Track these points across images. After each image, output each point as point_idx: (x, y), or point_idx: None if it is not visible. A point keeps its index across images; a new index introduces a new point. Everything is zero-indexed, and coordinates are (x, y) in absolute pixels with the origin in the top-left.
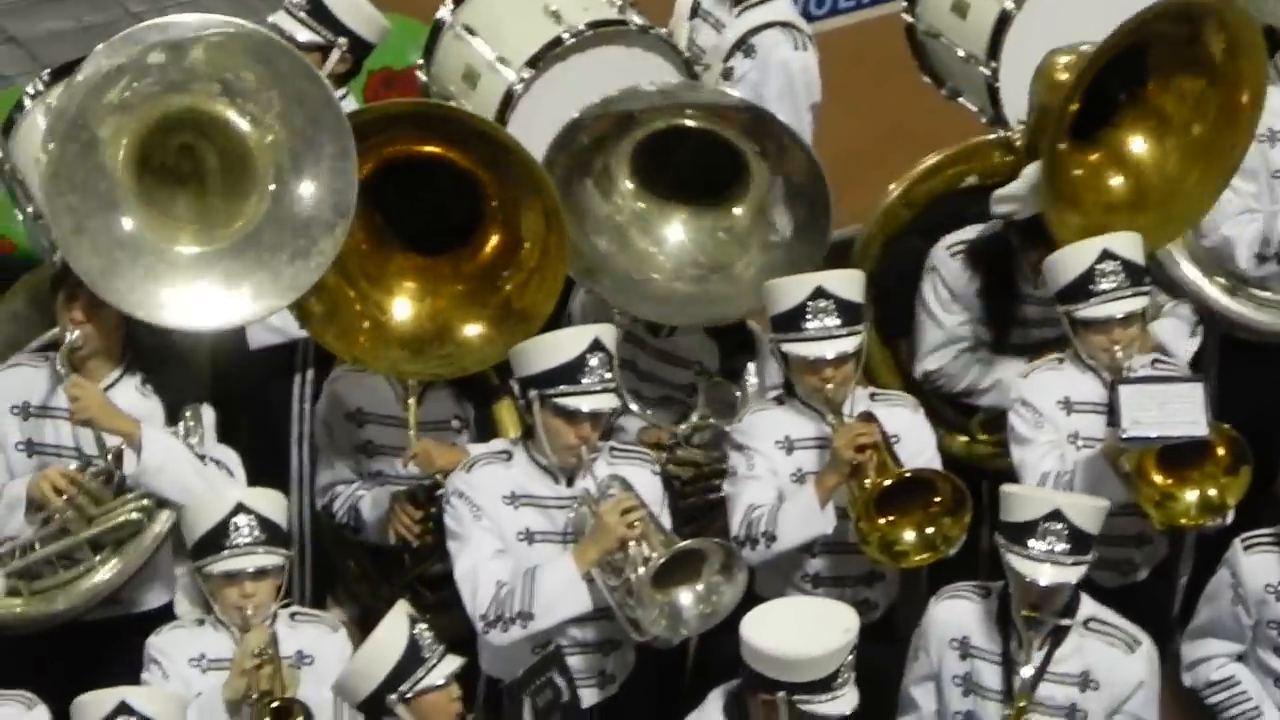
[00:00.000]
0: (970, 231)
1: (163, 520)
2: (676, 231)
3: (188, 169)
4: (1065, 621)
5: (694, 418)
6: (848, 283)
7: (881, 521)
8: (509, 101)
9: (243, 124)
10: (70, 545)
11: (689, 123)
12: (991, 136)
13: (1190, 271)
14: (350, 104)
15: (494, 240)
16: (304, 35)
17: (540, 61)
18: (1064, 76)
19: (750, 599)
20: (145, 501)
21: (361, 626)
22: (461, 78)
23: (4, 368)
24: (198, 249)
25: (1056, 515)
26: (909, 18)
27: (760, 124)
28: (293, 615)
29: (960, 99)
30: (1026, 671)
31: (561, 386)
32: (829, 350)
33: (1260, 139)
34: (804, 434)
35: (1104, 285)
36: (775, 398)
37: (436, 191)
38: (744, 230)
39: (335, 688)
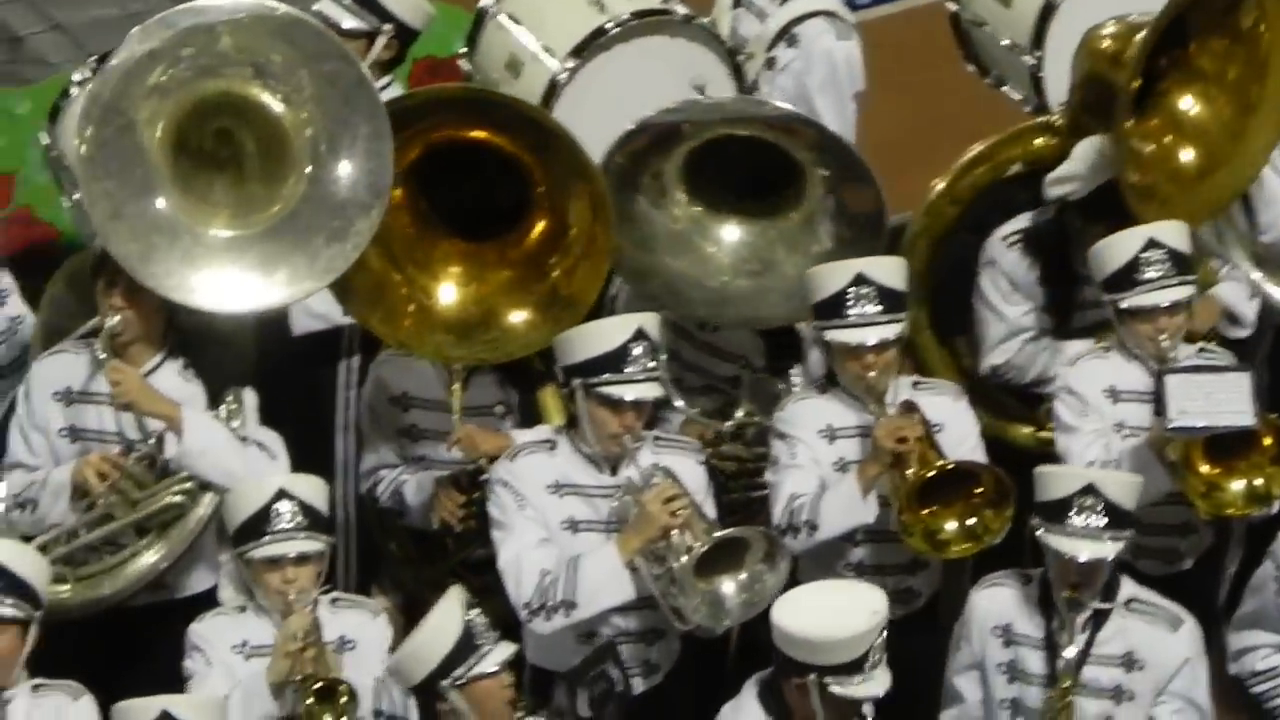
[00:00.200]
0: (1024, 220)
1: (206, 504)
2: (729, 234)
3: (225, 154)
4: (1106, 605)
5: (739, 414)
6: (890, 270)
7: (924, 512)
8: (553, 91)
9: (277, 106)
10: (114, 530)
11: (765, 136)
12: (1032, 121)
13: (1245, 264)
14: (395, 91)
15: (540, 226)
16: (349, 22)
17: (584, 51)
18: (1110, 46)
19: (792, 587)
20: (188, 485)
21: (405, 612)
22: (505, 66)
23: (46, 354)
24: (233, 232)
25: (1091, 490)
26: (954, 6)
27: (833, 149)
28: (334, 601)
29: (1004, 88)
30: (1070, 652)
31: (605, 375)
32: (870, 337)
33: None
34: (846, 423)
35: (1150, 274)
36: (817, 386)
37: (482, 177)
38: (792, 235)
39: (389, 670)
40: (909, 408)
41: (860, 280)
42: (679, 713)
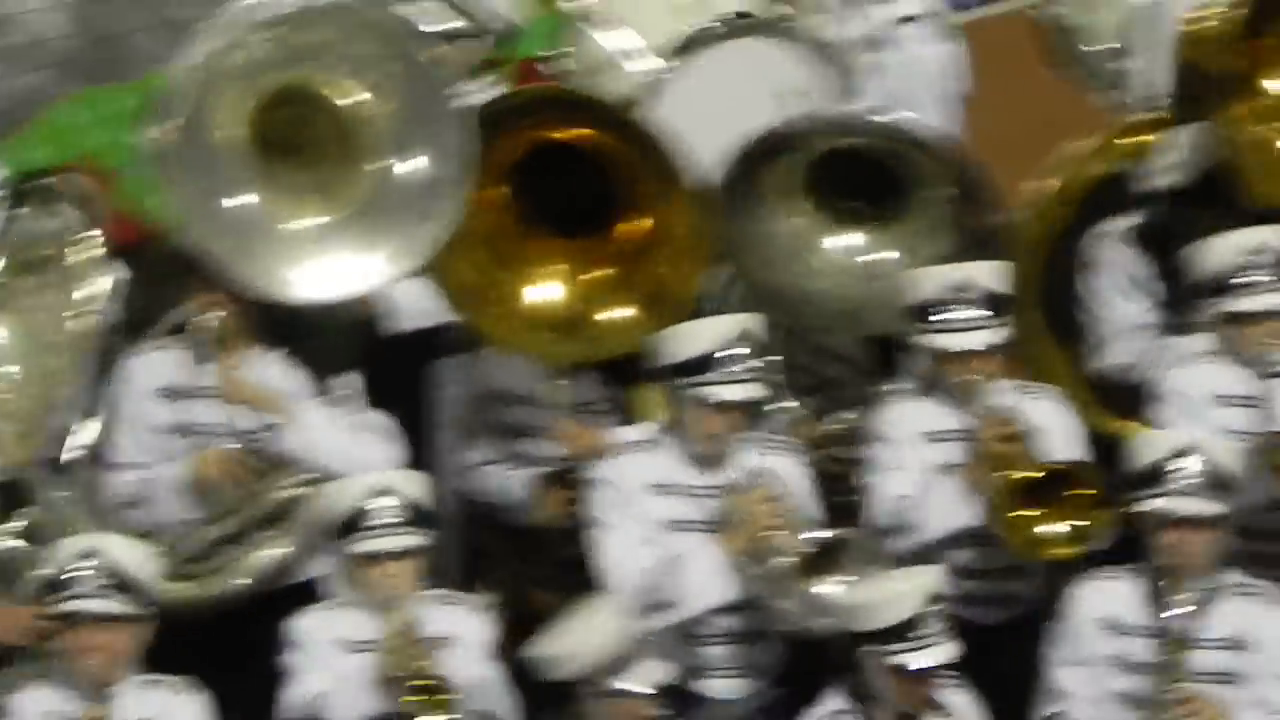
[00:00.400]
0: (1134, 216)
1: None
2: (846, 242)
3: (300, 140)
4: (1210, 585)
5: (848, 415)
6: (993, 273)
7: (1025, 514)
8: (650, 91)
9: (350, 92)
10: (241, 524)
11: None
12: (1138, 117)
13: None
14: (498, 91)
15: (640, 224)
16: (455, 23)
17: (683, 52)
18: (1211, 29)
19: None
20: (311, 475)
21: (506, 609)
22: (601, 68)
23: (144, 351)
24: (325, 219)
25: (1186, 451)
26: (1045, 9)
27: (951, 159)
28: (436, 597)
29: (1089, 90)
30: (1179, 610)
31: (707, 375)
32: (973, 341)
33: None
34: (946, 425)
35: (1258, 277)
36: (919, 389)
37: (583, 176)
38: (909, 243)
39: (537, 653)
40: (1011, 411)
41: (965, 284)
42: (781, 714)
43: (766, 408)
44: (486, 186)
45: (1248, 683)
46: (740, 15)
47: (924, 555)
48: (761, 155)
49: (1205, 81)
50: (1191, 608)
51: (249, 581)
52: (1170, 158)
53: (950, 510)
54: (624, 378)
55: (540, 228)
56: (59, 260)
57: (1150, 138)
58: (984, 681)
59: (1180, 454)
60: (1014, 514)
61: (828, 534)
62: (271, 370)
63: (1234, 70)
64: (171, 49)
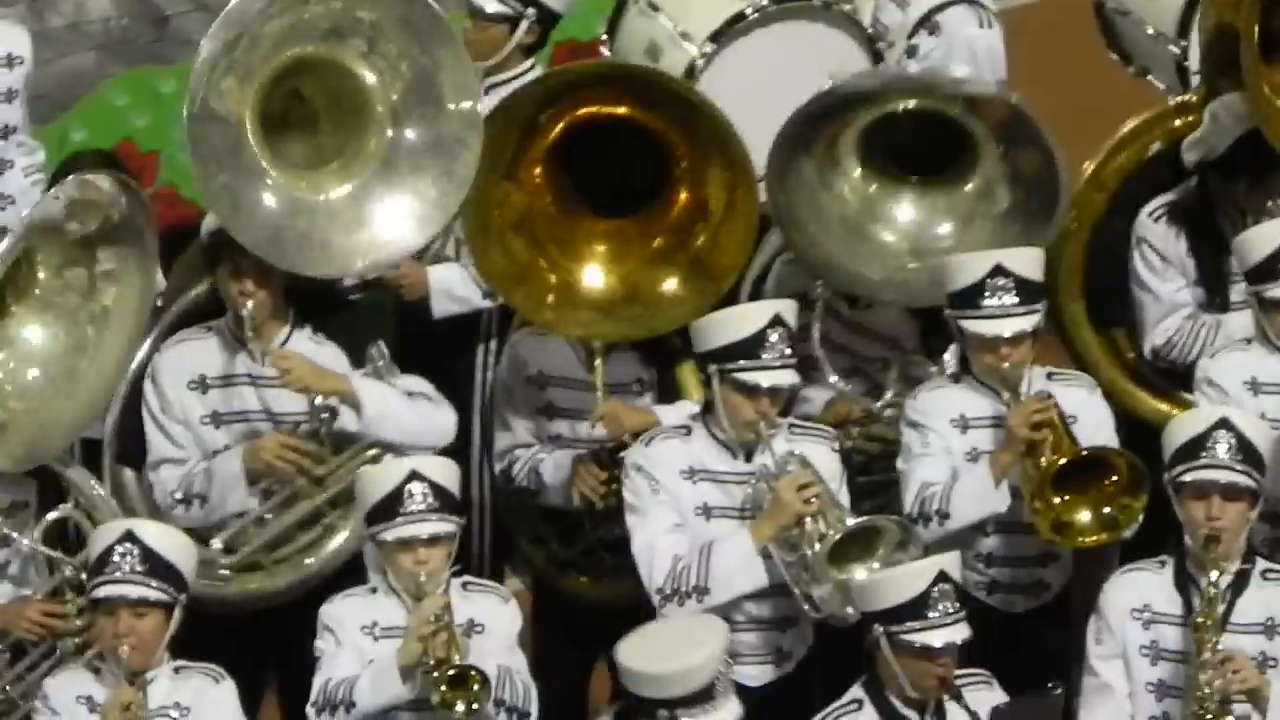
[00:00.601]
0: (1170, 195)
1: None
2: (901, 209)
3: (302, 114)
4: (1245, 565)
5: (889, 394)
6: (1027, 261)
7: (1057, 501)
8: (691, 75)
9: (352, 60)
10: (311, 510)
11: (941, 108)
12: (1171, 103)
13: None
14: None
15: (682, 200)
16: (492, 6)
17: (723, 36)
18: None
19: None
20: (371, 452)
21: (534, 593)
22: (644, 51)
23: (169, 345)
24: (349, 186)
25: (1224, 424)
26: None
27: (1016, 121)
28: (465, 584)
29: (1149, 77)
30: (1211, 578)
31: (741, 361)
32: (1007, 328)
33: None
34: (979, 412)
35: None
36: (951, 375)
37: (621, 155)
38: (966, 207)
39: (624, 661)
40: (1044, 398)
41: (998, 271)
42: (809, 702)
43: (805, 389)
44: (525, 169)
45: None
46: (778, 0)
47: (955, 542)
48: (814, 121)
49: (1231, 50)
50: (1228, 575)
51: (322, 567)
52: (1200, 131)
53: (981, 497)
54: (660, 358)
55: (579, 209)
56: (93, 257)
57: (1183, 123)
58: (1011, 670)
59: (1218, 427)
60: (1045, 501)
61: (859, 521)
62: (301, 345)
63: (1251, 28)
64: None
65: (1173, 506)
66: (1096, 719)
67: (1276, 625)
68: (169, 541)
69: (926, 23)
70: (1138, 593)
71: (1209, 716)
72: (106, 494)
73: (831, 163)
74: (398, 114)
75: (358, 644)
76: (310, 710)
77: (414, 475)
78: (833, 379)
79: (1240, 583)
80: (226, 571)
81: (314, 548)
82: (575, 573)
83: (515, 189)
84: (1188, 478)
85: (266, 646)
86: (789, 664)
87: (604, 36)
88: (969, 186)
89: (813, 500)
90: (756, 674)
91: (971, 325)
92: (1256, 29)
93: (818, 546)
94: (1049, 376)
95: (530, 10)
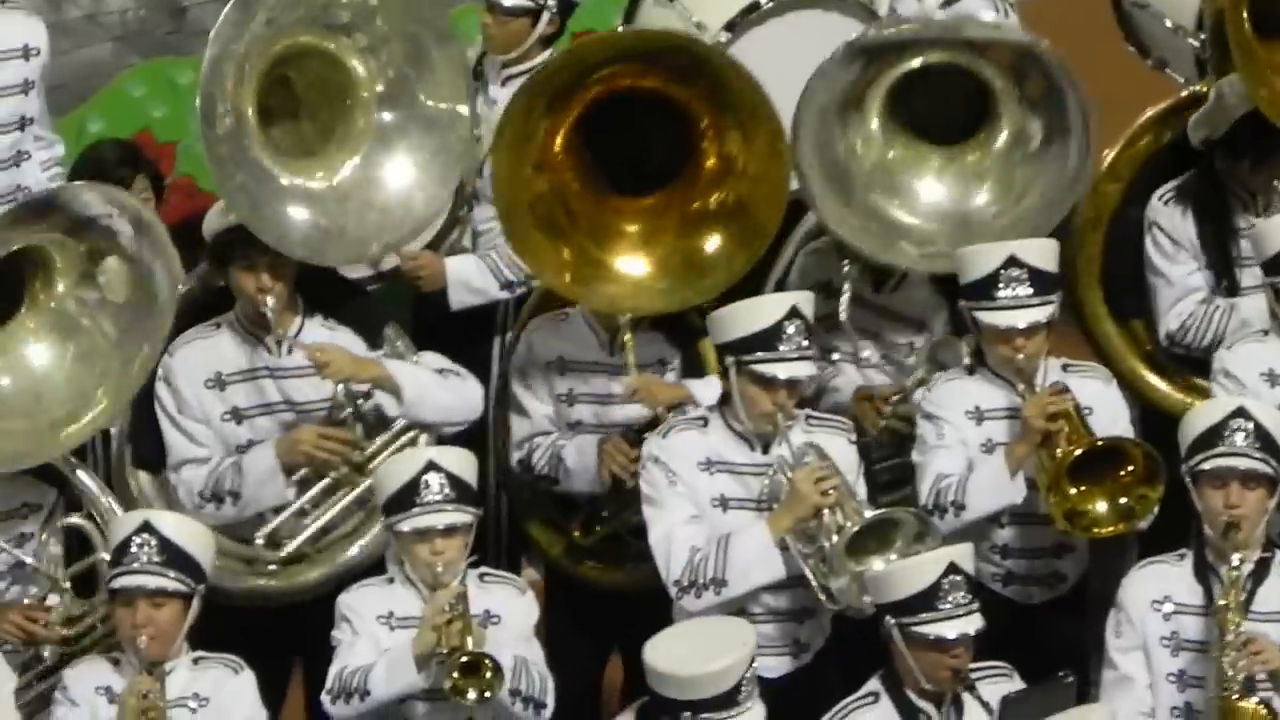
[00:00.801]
0: (1180, 179)
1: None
2: (930, 169)
3: (281, 101)
4: (1267, 554)
5: (919, 372)
6: (1041, 252)
7: (1072, 492)
8: None
9: (338, 45)
10: (358, 497)
11: (957, 60)
12: (1182, 94)
13: None
14: None
15: (709, 163)
16: (512, 0)
17: (738, 26)
18: None
19: None
20: (410, 434)
21: (547, 583)
22: None
23: (179, 346)
24: (349, 169)
25: (1241, 413)
26: None
27: (1028, 61)
28: (482, 576)
29: (1167, 70)
30: (1234, 560)
31: (758, 353)
32: (1021, 319)
33: None
34: (994, 404)
35: None
36: (966, 367)
37: (638, 130)
38: (1000, 161)
39: (651, 661)
40: (1059, 389)
41: (1012, 262)
42: (827, 693)
43: (834, 379)
44: (551, 148)
45: None
46: None
47: (970, 534)
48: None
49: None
50: (1249, 564)
51: (371, 553)
52: (1204, 110)
53: (996, 488)
54: (682, 337)
55: (608, 187)
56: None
57: (1188, 116)
58: (1028, 662)
59: (1235, 416)
60: (1060, 492)
61: (877, 513)
62: (315, 332)
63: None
64: None
65: (1191, 499)
66: (1118, 710)
67: None
68: (186, 532)
69: (944, 12)
70: (1158, 585)
71: (1233, 699)
72: (114, 505)
73: (860, 122)
74: (384, 94)
75: (374, 633)
76: (325, 698)
77: (431, 466)
78: (865, 353)
79: (1261, 572)
80: (274, 566)
81: (357, 535)
82: (596, 561)
83: (543, 168)
84: (1206, 466)
85: (290, 637)
86: (807, 655)
87: (620, 27)
88: (1000, 142)
89: (830, 492)
90: (774, 665)
91: (986, 316)
92: (1246, 8)
93: (835, 538)
94: (1064, 368)
95: (551, 1)
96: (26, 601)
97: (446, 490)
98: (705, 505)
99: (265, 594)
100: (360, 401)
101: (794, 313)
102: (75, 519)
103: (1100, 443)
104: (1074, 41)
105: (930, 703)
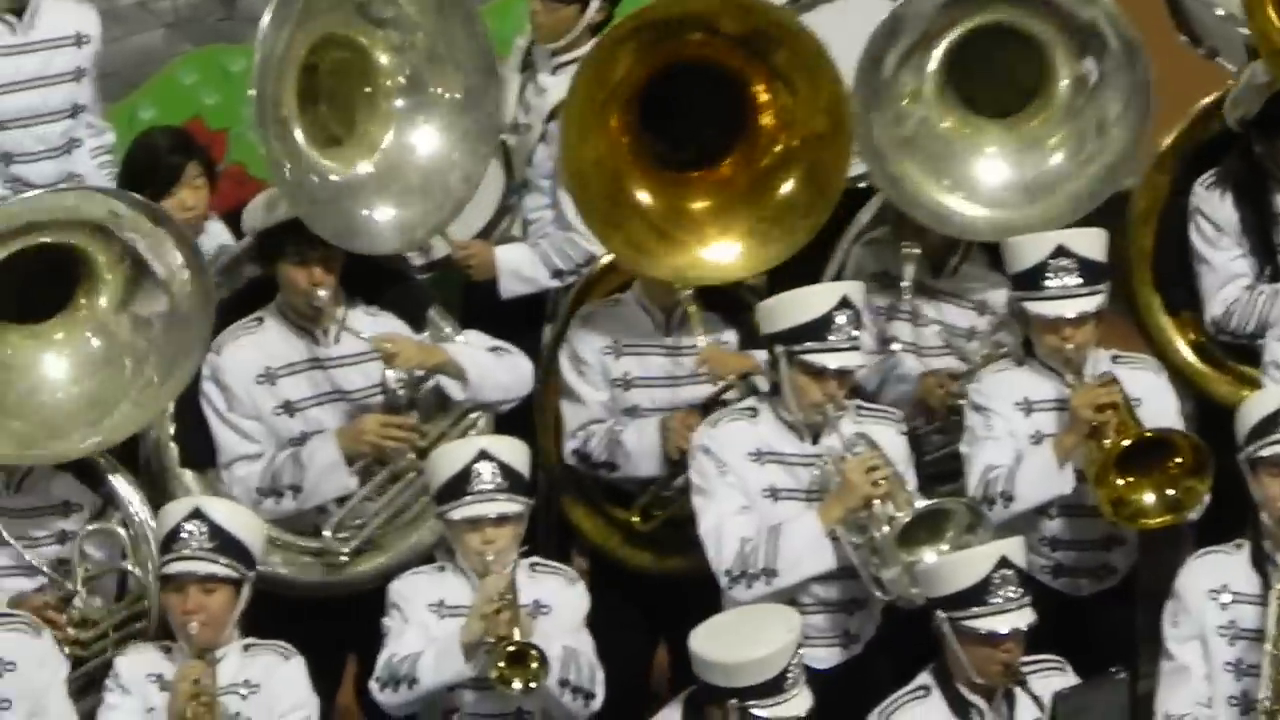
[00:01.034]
0: (1220, 165)
1: (486, 426)
2: (990, 138)
3: (308, 88)
4: None
5: (985, 351)
6: (1090, 241)
7: (1120, 483)
8: None
9: (366, 39)
10: (424, 483)
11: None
12: (1231, 84)
13: None
14: None
15: (765, 120)
16: None
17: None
18: None
19: None
20: (470, 417)
21: (592, 573)
22: None
23: (224, 344)
24: (379, 155)
25: None
26: None
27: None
28: (533, 565)
29: (1218, 59)
30: None
31: (808, 343)
32: (1070, 309)
33: None
34: (1043, 395)
35: None
36: (1015, 358)
37: (691, 107)
38: (1066, 111)
39: (697, 649)
40: (1108, 379)
41: (1060, 252)
42: (877, 684)
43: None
44: (611, 124)
45: None
46: None
47: (1018, 526)
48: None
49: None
50: None
51: (434, 539)
52: (1237, 90)
53: (1045, 479)
54: (738, 318)
55: (671, 167)
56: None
57: None
58: (1078, 654)
59: None
60: (1109, 483)
61: (929, 503)
62: (359, 320)
63: None
64: None
65: (1248, 491)
66: (1175, 700)
67: None
68: (237, 518)
69: None
70: (1215, 574)
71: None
72: (146, 514)
73: (915, 93)
74: (405, 82)
75: (424, 621)
76: (374, 685)
77: (483, 455)
78: (930, 327)
79: None
80: (345, 557)
81: (421, 520)
82: (654, 548)
83: (607, 144)
84: (1264, 453)
85: (344, 625)
86: (857, 646)
87: None
88: (1062, 92)
89: (881, 482)
90: (824, 656)
91: (1034, 307)
92: None
93: (886, 529)
94: (1114, 359)
95: None
96: (47, 599)
97: (498, 479)
98: (755, 496)
99: (335, 585)
100: (422, 384)
101: (844, 303)
102: (104, 524)
103: (1149, 434)
104: None
105: (981, 697)
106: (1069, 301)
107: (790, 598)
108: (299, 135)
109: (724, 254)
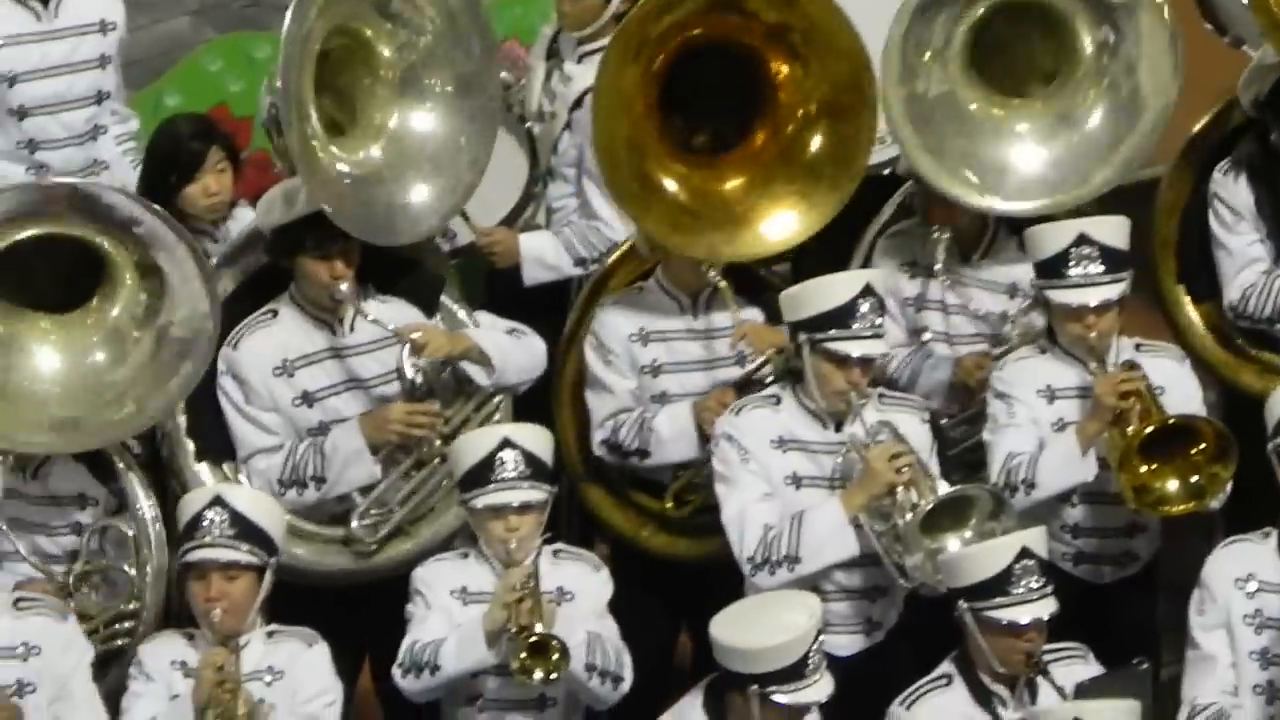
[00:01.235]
0: (1237, 149)
1: (504, 409)
2: (1018, 114)
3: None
4: None
5: (1015, 333)
6: (1112, 230)
7: (1143, 469)
8: None
9: (371, 32)
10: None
11: None
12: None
13: None
14: None
15: (784, 97)
16: None
17: None
18: None
19: None
20: (493, 401)
21: (613, 560)
22: None
23: (241, 338)
24: (384, 140)
25: None
26: None
27: None
28: (556, 552)
29: (1243, 47)
30: None
31: (832, 331)
32: (1092, 297)
33: None
34: (1066, 383)
35: None
36: (1038, 346)
37: (707, 90)
38: (1095, 71)
39: (717, 635)
40: (1131, 367)
41: (1082, 240)
42: (900, 672)
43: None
44: (640, 104)
45: None
46: None
47: (1040, 514)
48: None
49: None
50: None
51: (459, 524)
52: (1247, 72)
53: (1068, 466)
54: (761, 299)
55: (690, 139)
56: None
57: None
58: (1100, 641)
59: None
60: (1131, 470)
61: (952, 490)
62: (375, 309)
63: None
64: None
65: (1276, 480)
66: (1200, 689)
67: None
68: (258, 505)
69: None
70: (1242, 563)
71: None
72: (149, 510)
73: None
74: (405, 71)
75: (447, 608)
76: (396, 671)
77: (506, 443)
78: (973, 303)
79: None
80: (374, 546)
81: (444, 506)
82: (686, 534)
83: (633, 126)
84: None
85: (362, 612)
86: (879, 633)
87: None
88: (1088, 55)
89: (904, 470)
90: (847, 643)
91: (1057, 295)
92: None
93: (909, 516)
94: (1137, 347)
95: None
96: (46, 588)
97: (521, 467)
98: (778, 483)
99: (360, 573)
100: (444, 371)
101: (867, 290)
102: (113, 521)
103: (1172, 420)
104: None
105: (1004, 686)
106: (1092, 289)
107: (813, 585)
108: (319, 128)
109: (781, 224)
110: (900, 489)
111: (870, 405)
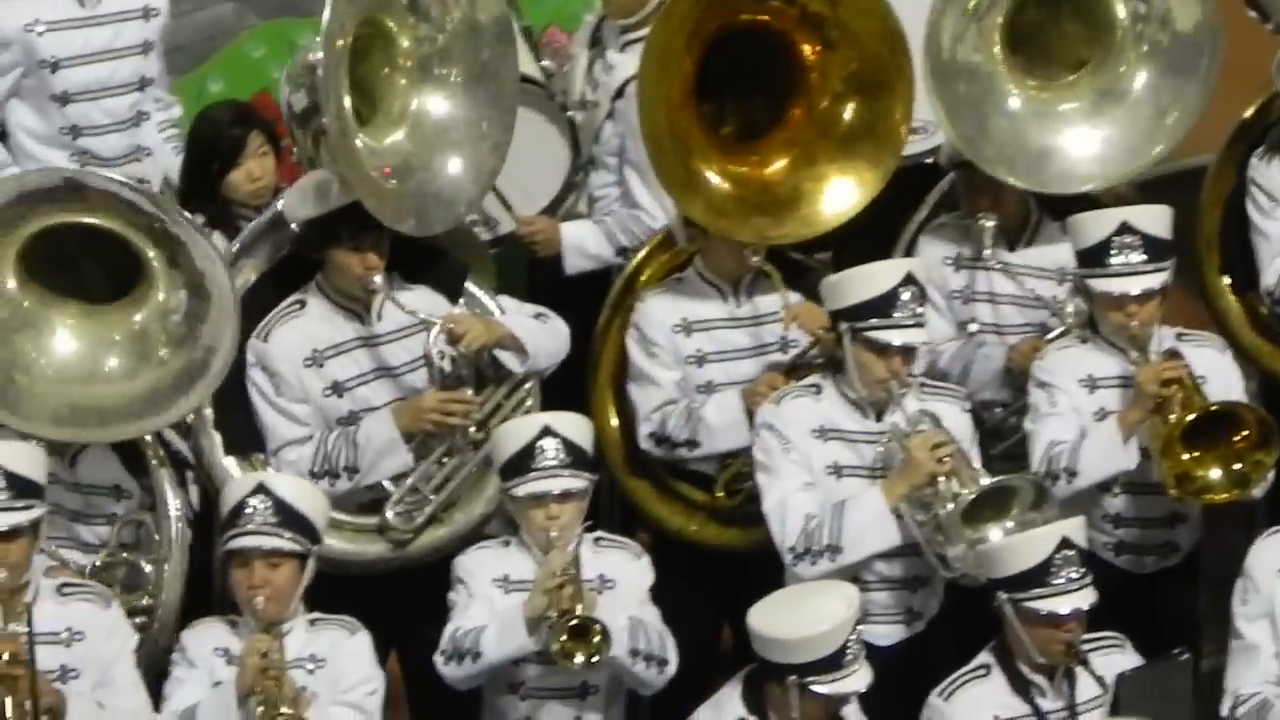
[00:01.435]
0: (1272, 133)
1: (535, 394)
2: (1062, 93)
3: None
4: None
5: (1070, 318)
6: (1154, 218)
7: (1185, 457)
8: None
9: (396, 23)
10: (481, 458)
11: None
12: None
13: None
14: None
15: (812, 76)
16: None
17: None
18: None
19: None
20: (525, 388)
21: (654, 551)
22: None
23: (271, 330)
24: (407, 125)
25: None
26: None
27: None
28: (597, 540)
29: None
30: None
31: (873, 320)
32: (1134, 286)
33: None
34: (1107, 372)
35: None
36: (1079, 335)
37: (744, 71)
38: (1133, 35)
39: (755, 625)
40: (1173, 355)
41: (1125, 229)
42: (940, 662)
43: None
44: (681, 92)
45: None
46: None
47: (1082, 502)
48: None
49: None
50: None
51: (492, 510)
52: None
53: (1109, 454)
54: (802, 285)
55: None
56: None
57: None
58: (1140, 631)
59: None
60: (1173, 457)
61: (994, 480)
62: (405, 299)
63: None
64: None
65: None
66: (1244, 679)
67: None
68: (301, 493)
69: None
70: None
71: None
72: (176, 505)
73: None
74: (422, 63)
75: (489, 595)
76: (439, 658)
77: (546, 431)
78: (1020, 289)
79: None
80: (410, 534)
81: (478, 493)
82: (737, 524)
83: (674, 113)
84: None
85: (394, 599)
86: (920, 623)
87: None
88: (1124, 22)
89: (946, 459)
90: (887, 633)
91: (1099, 284)
92: None
93: (951, 506)
94: (1179, 336)
95: None
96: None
97: (562, 455)
98: (819, 473)
99: (396, 561)
100: (414, 366)
101: (909, 279)
102: (140, 515)
103: (1214, 408)
104: None
105: (1043, 676)
106: (1134, 279)
107: (853, 575)
108: (352, 121)
109: (841, 195)
110: (942, 479)
111: (911, 394)
